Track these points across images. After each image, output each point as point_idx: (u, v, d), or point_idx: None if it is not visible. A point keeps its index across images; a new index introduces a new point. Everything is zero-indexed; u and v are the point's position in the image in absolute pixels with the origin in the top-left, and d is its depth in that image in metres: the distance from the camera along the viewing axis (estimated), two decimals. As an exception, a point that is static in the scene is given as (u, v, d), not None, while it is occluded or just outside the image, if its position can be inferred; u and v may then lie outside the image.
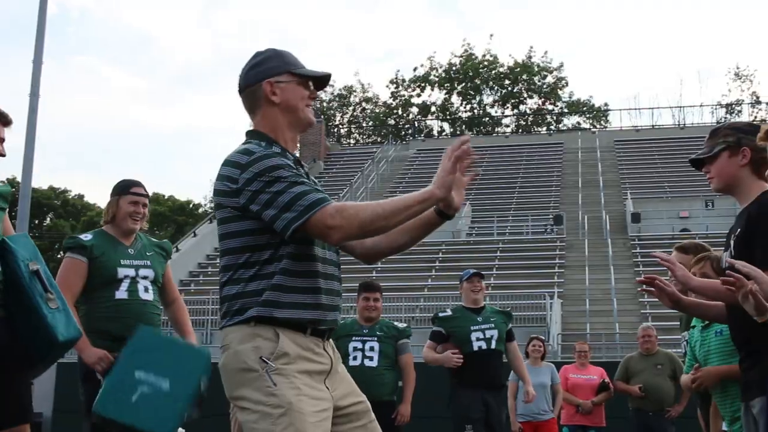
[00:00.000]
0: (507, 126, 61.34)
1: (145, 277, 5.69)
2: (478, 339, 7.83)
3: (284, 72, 3.43)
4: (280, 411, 3.08)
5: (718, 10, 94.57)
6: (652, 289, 4.01)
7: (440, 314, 8.30)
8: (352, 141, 59.51)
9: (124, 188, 5.79)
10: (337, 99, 64.30)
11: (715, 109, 56.26)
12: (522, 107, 62.79)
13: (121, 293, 5.57)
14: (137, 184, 5.84)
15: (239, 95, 3.51)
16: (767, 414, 3.58)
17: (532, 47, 79.88)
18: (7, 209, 4.64)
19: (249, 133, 3.45)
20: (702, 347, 5.04)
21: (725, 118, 55.04)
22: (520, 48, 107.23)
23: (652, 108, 65.64)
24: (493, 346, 7.89)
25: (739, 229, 3.74)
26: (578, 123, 60.98)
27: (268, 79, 3.42)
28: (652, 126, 48.48)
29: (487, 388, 7.80)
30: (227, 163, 3.27)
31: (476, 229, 34.54)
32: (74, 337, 4.58)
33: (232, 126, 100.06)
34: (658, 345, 10.64)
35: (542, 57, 63.80)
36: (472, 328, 7.88)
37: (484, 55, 62.17)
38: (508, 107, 62.86)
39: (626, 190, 36.13)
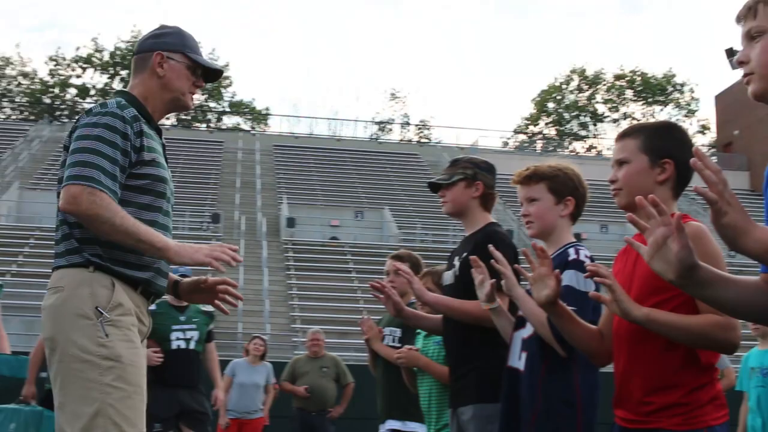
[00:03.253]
0: (168, 119, 60.60)
1: None
2: (178, 338, 7.82)
3: (178, 51, 3.55)
4: (109, 363, 3.14)
5: (378, 31, 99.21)
6: (381, 294, 4.40)
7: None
8: (2, 116, 56.21)
9: None
10: (-9, 70, 60.59)
11: (369, 125, 58.97)
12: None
13: None
14: None
15: (132, 59, 3.62)
16: (478, 421, 4.03)
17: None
18: None
19: (117, 92, 3.54)
20: (422, 353, 5.44)
21: (377, 134, 57.79)
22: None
23: (311, 117, 67.78)
24: (191, 346, 7.91)
25: (465, 253, 4.16)
26: (239, 123, 61.51)
27: (160, 51, 3.51)
28: (310, 134, 49.93)
29: (182, 386, 7.80)
30: (86, 111, 3.40)
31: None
32: None
33: None
34: (325, 349, 11.21)
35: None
36: (173, 327, 7.84)
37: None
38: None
39: (282, 194, 36.98)
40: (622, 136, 3.14)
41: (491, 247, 3.58)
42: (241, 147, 43.87)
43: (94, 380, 3.12)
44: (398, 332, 5.90)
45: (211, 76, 3.73)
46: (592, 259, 3.47)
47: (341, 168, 41.63)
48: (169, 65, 3.53)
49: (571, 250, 3.52)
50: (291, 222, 32.80)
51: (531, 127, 63.71)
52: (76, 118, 3.44)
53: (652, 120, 3.60)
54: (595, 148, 60.37)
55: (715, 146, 50.94)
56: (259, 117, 62.61)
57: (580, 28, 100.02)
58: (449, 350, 4.43)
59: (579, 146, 60.89)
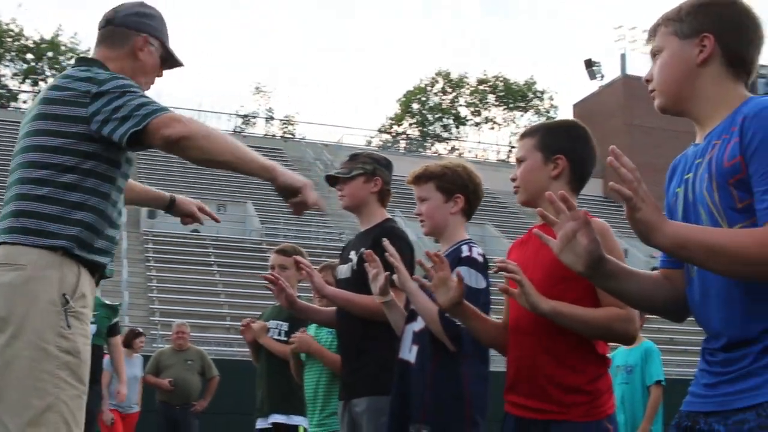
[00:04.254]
0: (25, 102, 58.64)
1: None
2: None
3: (159, 39, 3.40)
4: (67, 358, 2.92)
5: (244, 23, 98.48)
6: (273, 286, 4.38)
7: None
8: None
9: None
10: None
11: (232, 117, 58.32)
12: (43, 84, 60.31)
13: None
14: None
15: (104, 26, 3.38)
16: (371, 413, 4.06)
17: (61, 26, 77.49)
18: None
19: (93, 61, 3.28)
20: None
21: (242, 127, 57.28)
22: (48, 24, 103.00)
23: (174, 108, 66.01)
24: None
25: (362, 248, 4.15)
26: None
27: (146, 34, 3.36)
28: (174, 125, 49.04)
29: None
30: (76, 78, 3.12)
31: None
32: None
33: None
34: (190, 342, 11.08)
35: (71, 37, 61.87)
36: None
37: (8, 24, 58.90)
38: (28, 83, 60.10)
39: (143, 184, 36.25)
40: (523, 135, 3.24)
41: (385, 242, 3.62)
42: (102, 135, 42.79)
43: (48, 372, 2.89)
44: (285, 326, 5.90)
45: (169, 67, 3.59)
46: (484, 256, 3.58)
47: (205, 160, 41.02)
48: (149, 50, 3.40)
49: (464, 248, 3.59)
50: (152, 213, 32.17)
51: (395, 127, 64.28)
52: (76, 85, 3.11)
53: (555, 119, 3.72)
54: (457, 150, 61.38)
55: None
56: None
57: (446, 32, 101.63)
58: (344, 343, 4.44)
59: (441, 148, 61.79)
